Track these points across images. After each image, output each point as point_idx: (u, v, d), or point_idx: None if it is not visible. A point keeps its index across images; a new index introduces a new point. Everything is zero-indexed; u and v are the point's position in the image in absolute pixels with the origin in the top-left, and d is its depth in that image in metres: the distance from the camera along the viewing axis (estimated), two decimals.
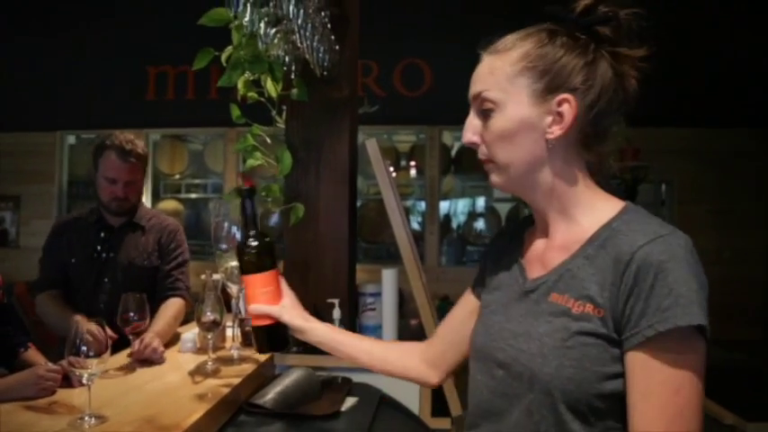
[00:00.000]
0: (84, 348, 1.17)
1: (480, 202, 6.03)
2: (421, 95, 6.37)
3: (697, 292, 0.74)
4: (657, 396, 0.74)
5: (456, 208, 6.07)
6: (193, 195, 6.21)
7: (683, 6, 6.07)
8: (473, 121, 0.91)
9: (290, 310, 1.17)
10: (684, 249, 0.76)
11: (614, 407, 0.79)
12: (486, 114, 0.88)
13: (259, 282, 1.15)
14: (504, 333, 0.90)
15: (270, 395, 1.52)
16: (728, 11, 6.03)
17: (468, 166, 5.80)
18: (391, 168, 6.31)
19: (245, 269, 1.16)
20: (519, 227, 1.03)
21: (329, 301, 1.89)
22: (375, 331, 2.00)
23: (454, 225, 5.96)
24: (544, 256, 0.91)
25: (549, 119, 0.85)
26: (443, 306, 4.10)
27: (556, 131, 0.85)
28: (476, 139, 0.90)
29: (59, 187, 6.90)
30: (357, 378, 1.82)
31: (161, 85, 6.82)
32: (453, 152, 6.06)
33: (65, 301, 2.01)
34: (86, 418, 1.18)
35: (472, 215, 5.97)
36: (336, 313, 1.88)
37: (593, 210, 0.88)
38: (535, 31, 0.89)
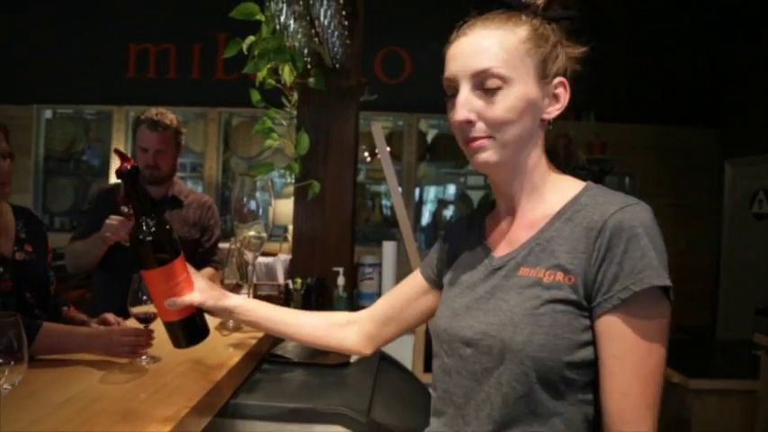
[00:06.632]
0: (144, 297, 1.34)
1: (451, 190, 6.26)
2: (400, 83, 6.57)
3: (664, 257, 0.76)
4: (631, 358, 0.74)
5: (427, 195, 6.29)
6: None
7: (651, 14, 6.40)
8: (469, 97, 0.84)
9: (210, 294, 1.04)
10: (650, 218, 0.79)
11: (584, 378, 0.78)
12: (489, 91, 0.83)
13: (170, 274, 0.98)
14: (471, 311, 0.87)
15: (290, 347, 1.74)
16: (693, 20, 6.38)
17: (443, 155, 6.00)
18: (366, 154, 6.56)
19: (147, 265, 0.97)
20: (476, 216, 1.02)
21: (334, 269, 2.10)
22: (372, 298, 2.22)
23: (425, 212, 6.17)
24: (511, 235, 0.91)
25: (547, 100, 0.86)
26: None
27: (552, 112, 0.86)
28: (472, 116, 0.84)
29: (36, 161, 6.86)
30: None
31: (142, 63, 6.84)
32: (429, 139, 6.26)
33: None
34: (143, 357, 1.37)
35: (442, 202, 6.20)
36: (341, 280, 2.09)
37: (560, 188, 0.89)
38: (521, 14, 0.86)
